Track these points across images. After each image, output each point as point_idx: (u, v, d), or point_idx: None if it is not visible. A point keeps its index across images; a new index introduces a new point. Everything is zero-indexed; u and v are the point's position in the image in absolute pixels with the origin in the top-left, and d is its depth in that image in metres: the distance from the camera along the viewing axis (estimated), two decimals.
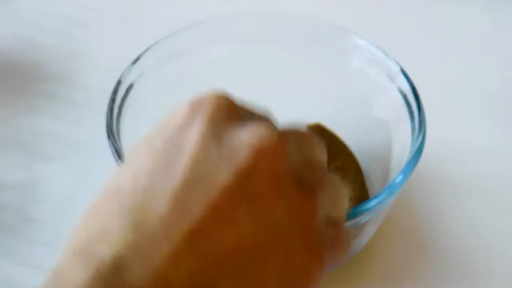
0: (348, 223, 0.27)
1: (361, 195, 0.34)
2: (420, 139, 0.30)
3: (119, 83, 0.33)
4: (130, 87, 0.33)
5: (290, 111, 0.39)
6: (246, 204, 0.17)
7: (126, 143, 0.31)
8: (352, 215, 0.27)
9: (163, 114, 0.37)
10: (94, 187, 0.43)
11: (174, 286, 0.16)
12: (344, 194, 0.22)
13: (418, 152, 0.29)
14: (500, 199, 0.39)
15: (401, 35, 0.53)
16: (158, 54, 0.35)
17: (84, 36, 0.53)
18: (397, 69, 0.34)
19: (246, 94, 0.39)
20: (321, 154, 0.21)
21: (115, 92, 0.32)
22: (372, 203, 0.27)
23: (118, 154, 0.29)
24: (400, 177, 0.28)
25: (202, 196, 0.17)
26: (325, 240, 0.20)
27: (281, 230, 0.18)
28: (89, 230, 0.17)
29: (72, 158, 0.41)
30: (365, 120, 0.37)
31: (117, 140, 0.30)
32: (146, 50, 0.35)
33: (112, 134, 0.30)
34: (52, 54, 0.50)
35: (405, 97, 0.33)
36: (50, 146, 0.42)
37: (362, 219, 0.28)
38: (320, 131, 0.37)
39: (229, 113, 0.19)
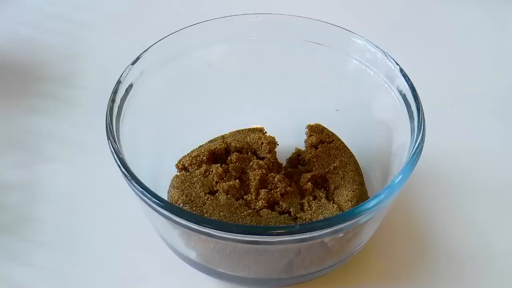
0: (348, 223, 0.27)
1: (361, 195, 0.34)
2: (419, 139, 0.30)
3: (119, 83, 0.33)
4: (130, 87, 0.33)
5: (290, 111, 0.39)
6: None
7: (126, 143, 0.31)
8: (352, 215, 0.27)
9: (162, 114, 0.38)
10: (94, 187, 0.43)
11: None
12: None
13: (417, 152, 0.29)
14: (500, 199, 0.39)
15: (401, 35, 0.53)
16: (158, 54, 0.35)
17: (84, 36, 0.53)
18: (396, 69, 0.34)
19: (246, 95, 0.39)
20: None
21: (115, 92, 0.32)
22: (371, 203, 0.27)
23: (118, 154, 0.29)
24: (400, 177, 0.28)
25: None
26: None
27: None
28: None
29: (72, 158, 0.41)
30: (364, 120, 0.37)
31: (117, 140, 0.30)
32: (146, 50, 0.35)
33: (112, 134, 0.30)
34: (52, 54, 0.51)
35: (404, 97, 0.33)
36: (50, 146, 0.42)
37: (362, 219, 0.28)
38: (320, 131, 0.37)
39: None
